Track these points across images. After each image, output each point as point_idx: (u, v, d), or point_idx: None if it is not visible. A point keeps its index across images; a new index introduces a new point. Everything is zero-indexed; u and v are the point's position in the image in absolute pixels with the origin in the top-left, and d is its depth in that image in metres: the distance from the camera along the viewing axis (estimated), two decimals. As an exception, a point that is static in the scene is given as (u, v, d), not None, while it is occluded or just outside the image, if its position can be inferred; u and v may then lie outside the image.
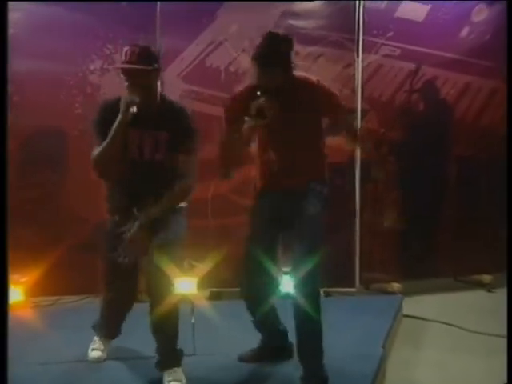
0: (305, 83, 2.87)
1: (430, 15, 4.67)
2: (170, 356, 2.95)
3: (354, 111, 4.35)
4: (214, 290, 4.44)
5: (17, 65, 3.85)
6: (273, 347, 3.17)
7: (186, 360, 2.97)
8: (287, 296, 3.23)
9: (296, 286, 2.87)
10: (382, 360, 3.21)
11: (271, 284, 3.06)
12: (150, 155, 2.90)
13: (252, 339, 3.18)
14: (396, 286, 4.66)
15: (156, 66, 2.88)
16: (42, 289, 4.09)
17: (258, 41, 2.77)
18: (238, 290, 3.12)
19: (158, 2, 4.25)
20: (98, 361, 3.17)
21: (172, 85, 4.20)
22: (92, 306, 3.66)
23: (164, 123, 2.88)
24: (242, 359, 3.19)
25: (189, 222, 3.04)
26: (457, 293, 4.78)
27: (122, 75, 2.85)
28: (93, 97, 4.15)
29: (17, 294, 4.04)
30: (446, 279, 4.92)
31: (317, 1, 4.49)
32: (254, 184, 3.06)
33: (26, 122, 4.09)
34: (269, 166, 2.95)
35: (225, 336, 3.41)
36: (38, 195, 4.21)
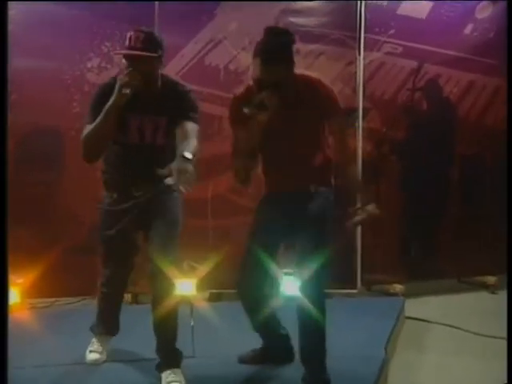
0: (306, 80, 2.83)
1: (433, 12, 4.65)
2: (169, 357, 2.93)
3: (350, 113, 4.30)
4: (214, 291, 4.43)
5: (13, 62, 3.80)
6: (273, 349, 3.14)
7: (185, 362, 2.95)
8: (288, 298, 3.20)
9: (301, 288, 2.84)
10: (384, 363, 3.18)
11: (270, 284, 3.02)
12: (150, 139, 2.89)
13: (252, 341, 3.15)
14: (398, 287, 4.63)
15: (160, 52, 2.85)
16: (38, 290, 4.07)
17: (258, 37, 2.73)
18: (235, 291, 3.06)
19: (156, 2, 4.22)
20: (95, 363, 3.14)
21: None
22: (89, 307, 3.65)
23: (165, 108, 2.87)
24: (242, 361, 3.16)
25: (188, 223, 3.02)
26: (460, 294, 4.76)
27: (123, 60, 2.82)
28: (90, 95, 4.10)
29: (13, 295, 4.01)
30: (450, 280, 4.89)
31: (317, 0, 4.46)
32: (261, 185, 3.01)
33: (22, 121, 4.06)
34: (271, 167, 2.92)
35: (224, 338, 3.38)
36: (34, 195, 4.19)
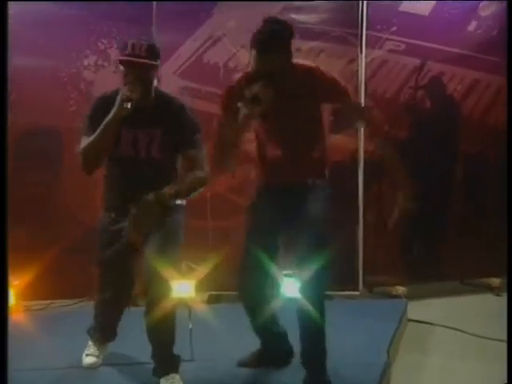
0: (303, 70, 2.80)
1: (436, 9, 4.60)
2: (166, 362, 2.89)
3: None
4: (213, 293, 4.42)
5: (11, 61, 3.78)
6: (273, 351, 3.12)
7: (183, 366, 2.93)
8: (288, 299, 3.20)
9: (301, 289, 2.82)
10: (387, 366, 3.16)
11: (271, 286, 3.00)
12: (145, 153, 2.85)
13: (251, 343, 3.13)
14: (401, 289, 4.60)
15: (159, 61, 2.84)
16: (33, 292, 4.04)
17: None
18: (237, 293, 3.05)
19: (154, 2, 4.19)
20: (92, 367, 3.13)
21: (168, 82, 4.13)
22: (85, 310, 3.62)
23: (160, 121, 2.84)
24: (241, 364, 3.14)
25: (187, 223, 2.99)
26: (464, 296, 4.71)
27: (122, 68, 2.78)
28: (87, 94, 4.09)
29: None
30: (453, 282, 4.85)
31: (318, -1, 4.44)
32: (254, 181, 2.99)
33: (21, 120, 4.02)
34: (268, 160, 2.89)
35: (223, 340, 3.36)
36: (31, 195, 4.16)
